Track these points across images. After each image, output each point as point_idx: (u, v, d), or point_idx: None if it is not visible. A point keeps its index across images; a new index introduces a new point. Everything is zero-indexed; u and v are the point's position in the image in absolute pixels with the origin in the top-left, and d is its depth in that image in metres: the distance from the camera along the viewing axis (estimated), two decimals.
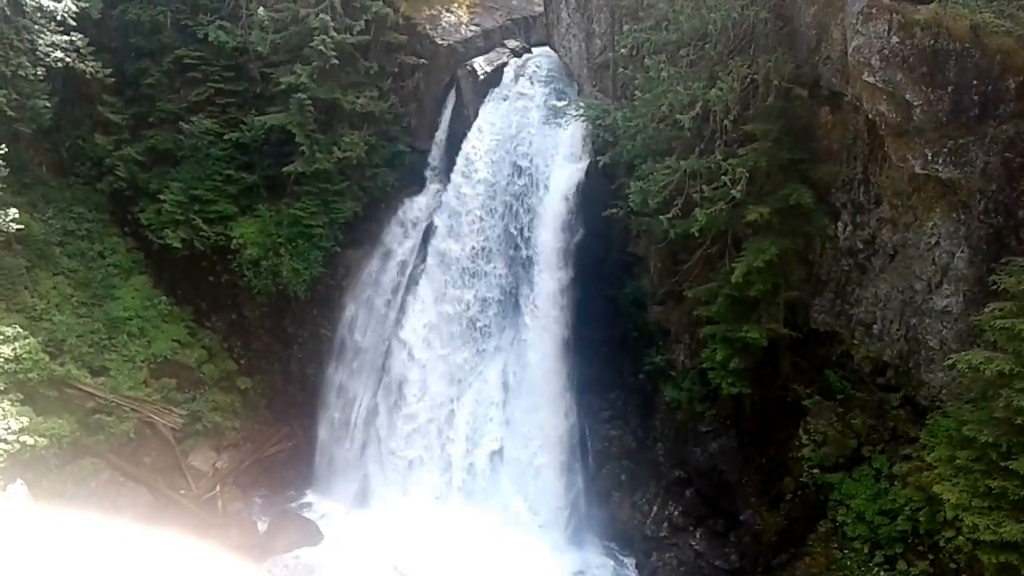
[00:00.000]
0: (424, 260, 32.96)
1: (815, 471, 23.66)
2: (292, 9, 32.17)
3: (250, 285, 34.16)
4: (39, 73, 30.29)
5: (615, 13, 28.85)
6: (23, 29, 29.95)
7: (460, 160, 32.05)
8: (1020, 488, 17.22)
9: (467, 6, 35.16)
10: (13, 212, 27.76)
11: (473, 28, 34.61)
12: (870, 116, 21.07)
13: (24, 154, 32.80)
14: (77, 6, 30.66)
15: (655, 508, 29.15)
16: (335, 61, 31.53)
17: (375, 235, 34.47)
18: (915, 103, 19.76)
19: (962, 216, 20.23)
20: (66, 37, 30.78)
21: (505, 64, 33.51)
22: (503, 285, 31.56)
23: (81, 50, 31.33)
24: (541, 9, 34.72)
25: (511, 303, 31.52)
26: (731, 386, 24.69)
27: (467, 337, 32.10)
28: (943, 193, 20.43)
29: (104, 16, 32.94)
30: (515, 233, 31.13)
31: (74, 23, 30.79)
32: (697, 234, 23.81)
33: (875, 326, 22.93)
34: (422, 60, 33.86)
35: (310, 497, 34.12)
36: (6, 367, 26.25)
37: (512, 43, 34.59)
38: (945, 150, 19.76)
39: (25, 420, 25.38)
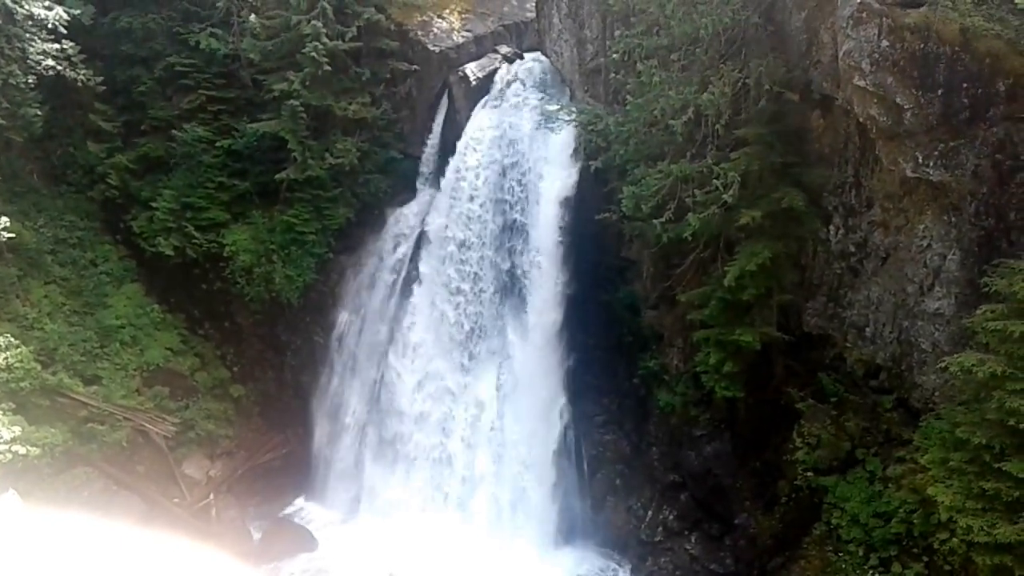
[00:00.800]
0: (417, 266, 32.89)
1: (809, 474, 23.67)
2: (284, 16, 32.15)
3: (243, 292, 34.09)
4: (30, 81, 30.24)
5: (606, 18, 28.88)
6: (14, 37, 29.91)
7: (452, 166, 32.04)
8: (1013, 490, 17.23)
9: (459, 12, 35.19)
10: (4, 220, 27.73)
11: (465, 34, 34.63)
12: (861, 120, 21.14)
13: (15, 162, 32.78)
14: (68, 14, 30.62)
15: (650, 513, 29.14)
16: (327, 68, 31.50)
17: (368, 241, 34.42)
18: (906, 106, 19.83)
19: (953, 219, 20.29)
20: (57, 45, 30.76)
21: (497, 70, 33.52)
22: (496, 290, 31.51)
23: (72, 58, 31.31)
24: (533, 15, 34.70)
25: (504, 308, 31.47)
26: (725, 390, 24.71)
27: (461, 342, 32.04)
28: (934, 196, 20.50)
29: (95, 24, 32.93)
30: (508, 238, 31.11)
31: (65, 31, 30.75)
32: (690, 238, 23.79)
33: (868, 329, 22.98)
34: (414, 66, 33.87)
35: (304, 505, 33.99)
36: None
37: (504, 49, 34.60)
38: (936, 153, 19.83)
39: (17, 430, 25.28)
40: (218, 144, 33.63)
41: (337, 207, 33.58)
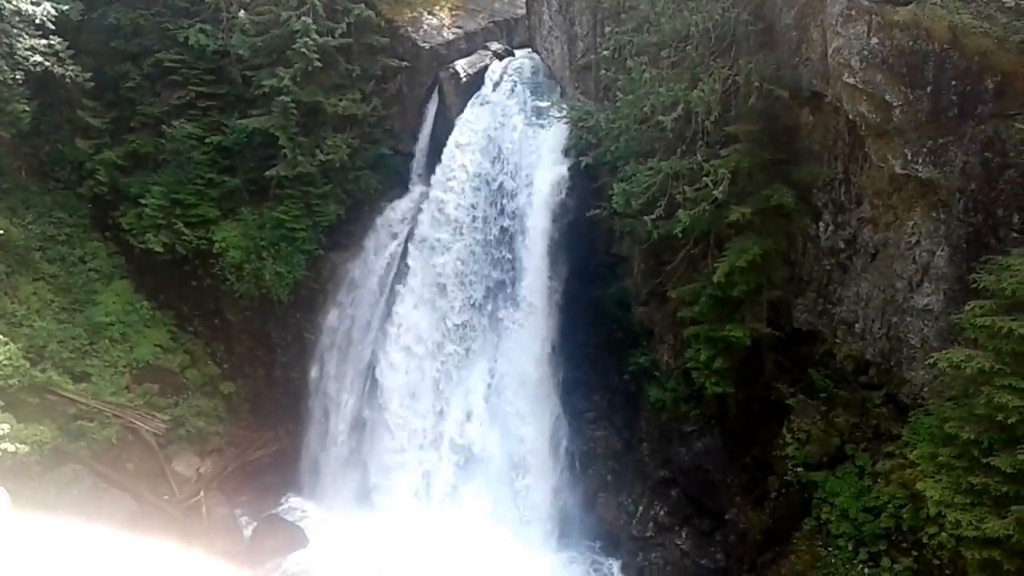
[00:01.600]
0: (408, 263, 32.87)
1: (799, 469, 23.73)
2: (273, 12, 32.02)
3: (233, 289, 34.01)
4: (17, 77, 30.10)
5: (597, 15, 28.91)
6: (1, 33, 29.72)
7: (443, 162, 32.02)
8: (1002, 484, 17.31)
9: (449, 9, 35.14)
10: None
11: (455, 31, 34.60)
12: (851, 117, 21.20)
13: (3, 159, 32.68)
14: (56, 10, 30.46)
15: (641, 508, 29.21)
16: (317, 64, 31.42)
17: (358, 238, 34.37)
18: (895, 104, 19.90)
19: (942, 215, 20.38)
20: (45, 41, 30.62)
21: (488, 66, 33.50)
22: (487, 287, 31.52)
23: (60, 54, 31.17)
24: (523, 11, 34.74)
25: (495, 305, 31.47)
26: (715, 386, 24.74)
27: (451, 339, 32.04)
28: (923, 193, 20.59)
29: (83, 20, 32.78)
30: (498, 235, 31.12)
31: (53, 27, 30.62)
32: (680, 235, 23.82)
33: (857, 325, 23.07)
34: (404, 63, 33.81)
35: (295, 502, 33.95)
36: None
37: (494, 45, 34.59)
38: (925, 150, 19.90)
39: (6, 427, 25.22)
40: (208, 140, 33.54)
41: (327, 204, 33.49)
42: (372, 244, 34.18)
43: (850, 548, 22.00)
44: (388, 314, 33.13)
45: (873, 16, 19.91)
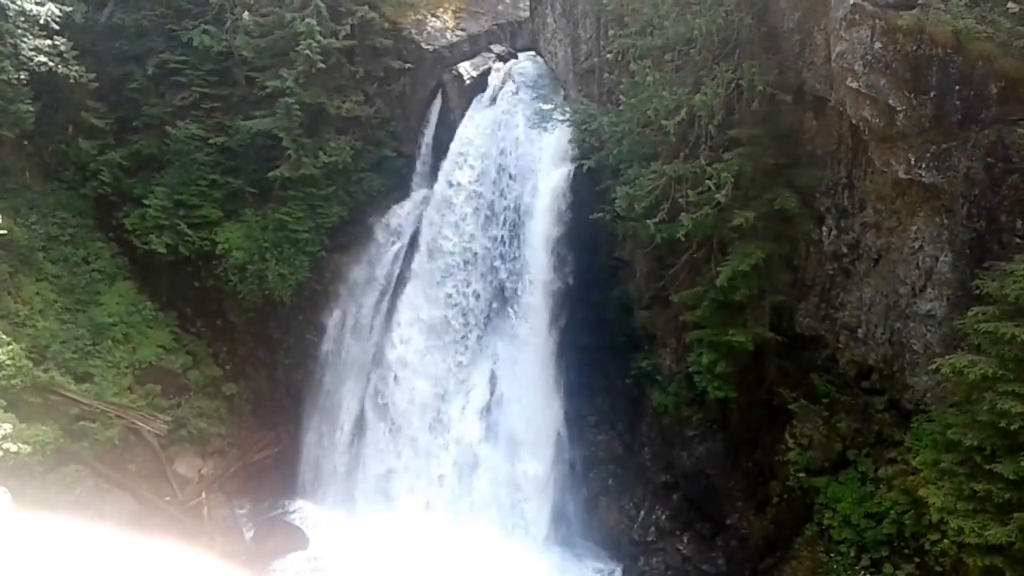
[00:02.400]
0: (410, 265, 32.84)
1: (801, 475, 23.72)
2: (277, 13, 32.10)
3: (235, 290, 34.03)
4: (22, 77, 30.10)
5: (600, 19, 28.90)
6: (6, 33, 29.76)
7: (446, 165, 31.99)
8: (1004, 491, 17.28)
9: (453, 11, 35.14)
10: None
11: (459, 33, 34.60)
12: (854, 121, 21.16)
13: (7, 159, 32.63)
14: (61, 10, 30.51)
15: (642, 513, 29.15)
16: (321, 65, 31.44)
17: (361, 240, 34.33)
18: (898, 108, 19.86)
19: (945, 221, 20.34)
20: (49, 41, 30.64)
21: (491, 69, 33.49)
22: (489, 290, 31.46)
23: (65, 54, 31.17)
24: (527, 14, 34.75)
25: (498, 308, 31.43)
26: (717, 390, 24.75)
27: (454, 342, 31.99)
28: (926, 198, 20.55)
29: (88, 20, 32.81)
30: (501, 238, 31.08)
31: (57, 27, 30.64)
32: (683, 239, 23.83)
33: (860, 330, 23.02)
34: (408, 65, 33.79)
35: (297, 504, 33.92)
36: None
37: (498, 48, 34.58)
38: (928, 155, 19.87)
39: (8, 427, 25.19)
40: (211, 141, 33.54)
41: (330, 205, 33.51)
42: (374, 246, 34.16)
43: (852, 554, 21.99)
44: (390, 316, 33.09)
45: (877, 21, 19.86)
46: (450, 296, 31.94)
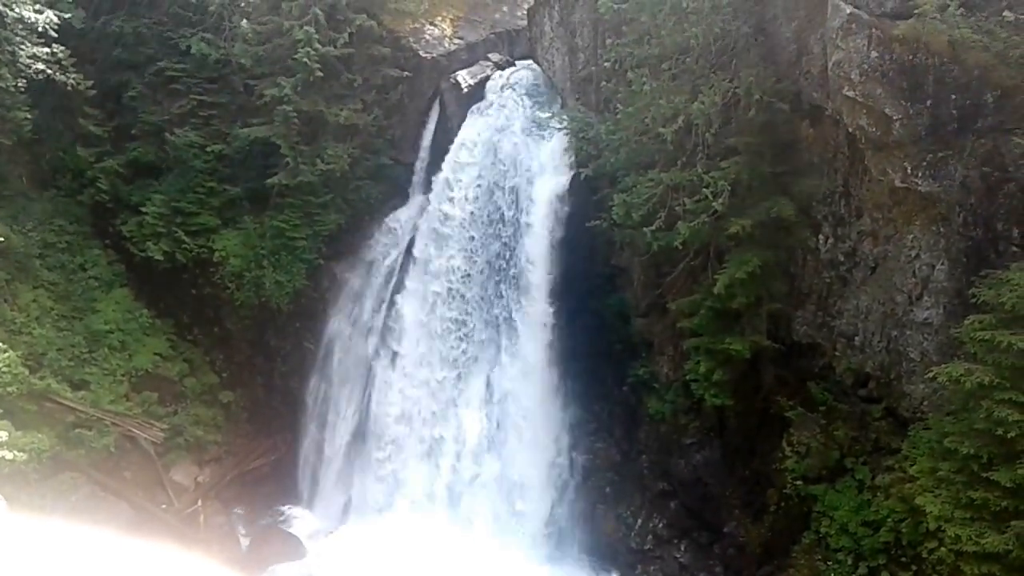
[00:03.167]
0: (407, 273, 32.85)
1: (798, 483, 23.68)
2: (276, 21, 32.10)
3: (233, 298, 33.99)
4: (20, 85, 30.08)
5: (598, 27, 28.95)
6: (4, 41, 29.72)
7: (443, 173, 32.03)
8: (1002, 499, 17.30)
9: (451, 20, 35.23)
10: None
11: (457, 41, 34.68)
12: (850, 130, 21.24)
13: (4, 166, 32.63)
14: (59, 18, 30.52)
15: (639, 521, 29.10)
16: (319, 73, 31.43)
17: (359, 248, 34.34)
18: (895, 117, 19.94)
19: (942, 229, 20.39)
20: (47, 49, 30.61)
21: (488, 77, 33.57)
22: (486, 298, 31.47)
23: (62, 62, 31.17)
24: (525, 23, 34.79)
25: (494, 316, 31.43)
26: (714, 398, 24.72)
27: (451, 350, 31.97)
28: (923, 206, 20.60)
29: (86, 28, 32.84)
30: (498, 246, 31.09)
31: (55, 35, 30.60)
32: (680, 246, 23.81)
33: (857, 338, 23.04)
34: (406, 73, 33.80)
35: (293, 512, 33.77)
36: None
37: (496, 56, 34.67)
38: (924, 164, 19.94)
39: (4, 434, 25.10)
40: (209, 149, 33.50)
41: (328, 213, 33.50)
42: (372, 254, 34.17)
43: (849, 562, 21.94)
44: (387, 324, 33.09)
45: (873, 30, 19.95)
46: (446, 304, 31.92)
